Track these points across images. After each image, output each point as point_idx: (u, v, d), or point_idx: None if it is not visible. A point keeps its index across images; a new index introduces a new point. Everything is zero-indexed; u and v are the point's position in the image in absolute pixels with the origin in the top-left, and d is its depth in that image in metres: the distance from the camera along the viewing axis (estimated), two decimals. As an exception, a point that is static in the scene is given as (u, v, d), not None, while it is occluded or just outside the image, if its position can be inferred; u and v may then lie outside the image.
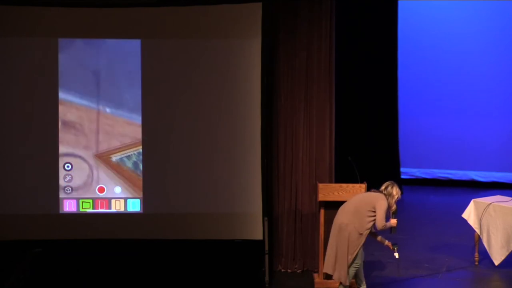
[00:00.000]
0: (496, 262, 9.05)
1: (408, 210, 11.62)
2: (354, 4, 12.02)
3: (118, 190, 8.81)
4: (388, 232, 8.01)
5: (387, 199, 7.92)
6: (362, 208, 7.89)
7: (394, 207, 7.99)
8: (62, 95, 8.68)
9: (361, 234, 7.87)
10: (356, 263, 7.91)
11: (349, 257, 7.86)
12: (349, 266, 7.86)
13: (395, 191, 7.97)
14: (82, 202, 8.78)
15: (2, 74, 8.63)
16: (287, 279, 8.78)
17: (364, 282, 8.08)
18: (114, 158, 8.79)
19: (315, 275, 8.61)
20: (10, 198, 8.70)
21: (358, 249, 7.87)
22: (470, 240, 9.46)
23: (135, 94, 8.73)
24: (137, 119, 8.74)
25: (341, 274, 7.87)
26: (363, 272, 8.07)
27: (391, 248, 8.06)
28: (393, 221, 7.97)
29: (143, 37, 8.68)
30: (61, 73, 8.66)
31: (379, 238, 8.14)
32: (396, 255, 8.04)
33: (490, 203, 9.11)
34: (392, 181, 8.05)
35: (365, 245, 7.92)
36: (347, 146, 11.39)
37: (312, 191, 8.77)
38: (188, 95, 8.72)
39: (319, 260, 8.48)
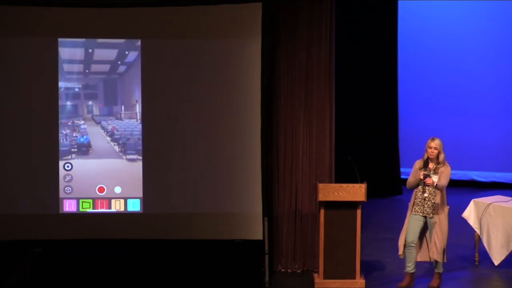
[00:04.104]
0: (496, 262, 9.05)
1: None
2: (354, 4, 12.02)
3: (118, 190, 8.81)
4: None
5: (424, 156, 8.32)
6: None
7: (432, 156, 8.24)
8: (62, 95, 8.68)
9: None
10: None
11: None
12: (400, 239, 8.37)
13: (427, 141, 8.35)
14: (82, 202, 8.79)
15: (2, 74, 8.63)
16: (287, 279, 8.78)
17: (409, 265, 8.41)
18: (114, 157, 8.78)
19: (315, 275, 8.61)
20: (10, 198, 8.71)
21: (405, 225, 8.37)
22: (470, 240, 9.46)
23: (135, 94, 8.73)
24: (138, 119, 8.74)
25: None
26: (413, 254, 8.34)
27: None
28: (420, 174, 8.20)
29: (143, 37, 8.68)
30: (61, 73, 8.66)
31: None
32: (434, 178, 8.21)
33: (490, 203, 9.11)
34: None
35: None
36: (347, 146, 11.39)
37: (312, 191, 8.77)
38: (188, 95, 8.72)
39: (319, 260, 8.48)
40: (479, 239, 9.21)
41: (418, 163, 8.31)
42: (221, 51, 8.68)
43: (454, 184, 12.96)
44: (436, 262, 8.35)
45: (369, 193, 8.44)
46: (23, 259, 8.32)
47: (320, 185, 8.38)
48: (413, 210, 8.30)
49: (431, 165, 8.25)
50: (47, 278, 8.56)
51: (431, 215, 8.23)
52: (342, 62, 11.04)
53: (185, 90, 8.72)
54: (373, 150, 12.48)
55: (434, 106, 13.35)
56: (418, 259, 8.40)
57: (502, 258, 9.01)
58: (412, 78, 13.26)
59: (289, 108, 8.86)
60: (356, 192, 8.34)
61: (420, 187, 8.24)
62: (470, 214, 9.29)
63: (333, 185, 8.42)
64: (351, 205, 8.40)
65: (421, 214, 8.27)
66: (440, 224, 8.20)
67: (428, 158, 8.26)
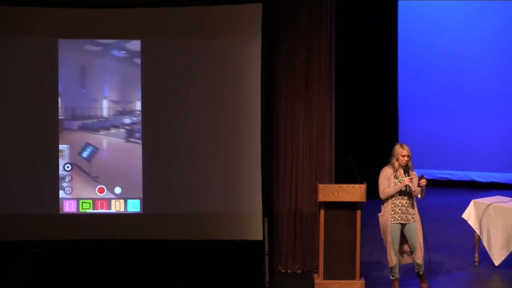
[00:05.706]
0: (496, 263, 9.05)
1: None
2: (354, 4, 12.02)
3: (118, 190, 8.80)
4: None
5: (391, 163, 8.04)
6: None
7: (404, 163, 8.00)
8: (62, 95, 8.68)
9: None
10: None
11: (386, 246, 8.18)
12: (390, 252, 8.11)
13: (396, 148, 8.05)
14: (82, 202, 8.78)
15: (2, 74, 8.63)
16: (287, 280, 8.78)
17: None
18: (114, 158, 8.78)
19: (315, 275, 8.61)
20: (11, 198, 8.70)
21: (384, 235, 8.11)
22: (470, 240, 9.46)
23: (135, 94, 8.73)
24: (137, 119, 8.74)
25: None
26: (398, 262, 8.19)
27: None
28: (406, 180, 7.97)
29: (143, 37, 8.68)
30: (61, 73, 8.66)
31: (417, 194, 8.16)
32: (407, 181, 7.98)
33: (490, 204, 9.11)
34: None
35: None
36: (347, 146, 11.37)
37: (312, 191, 8.77)
38: (188, 95, 8.72)
39: (319, 260, 8.47)
40: (479, 240, 9.21)
41: (388, 171, 8.08)
42: (221, 51, 8.68)
43: (454, 185, 13.04)
44: (419, 264, 8.22)
45: (369, 193, 8.44)
46: (23, 259, 8.32)
47: (320, 186, 8.38)
48: (394, 219, 8.08)
49: (401, 171, 8.07)
50: (47, 278, 8.56)
51: (412, 220, 8.11)
52: (342, 62, 11.03)
53: (185, 90, 8.72)
54: (373, 150, 12.47)
55: (434, 106, 13.35)
56: (403, 263, 8.32)
57: (503, 258, 9.00)
58: (412, 78, 13.26)
59: (289, 108, 8.86)
60: (356, 192, 8.34)
61: (398, 195, 8.06)
62: (470, 214, 9.28)
63: (333, 185, 8.42)
64: (351, 206, 8.40)
65: (401, 222, 8.08)
66: (420, 227, 8.14)
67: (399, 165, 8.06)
